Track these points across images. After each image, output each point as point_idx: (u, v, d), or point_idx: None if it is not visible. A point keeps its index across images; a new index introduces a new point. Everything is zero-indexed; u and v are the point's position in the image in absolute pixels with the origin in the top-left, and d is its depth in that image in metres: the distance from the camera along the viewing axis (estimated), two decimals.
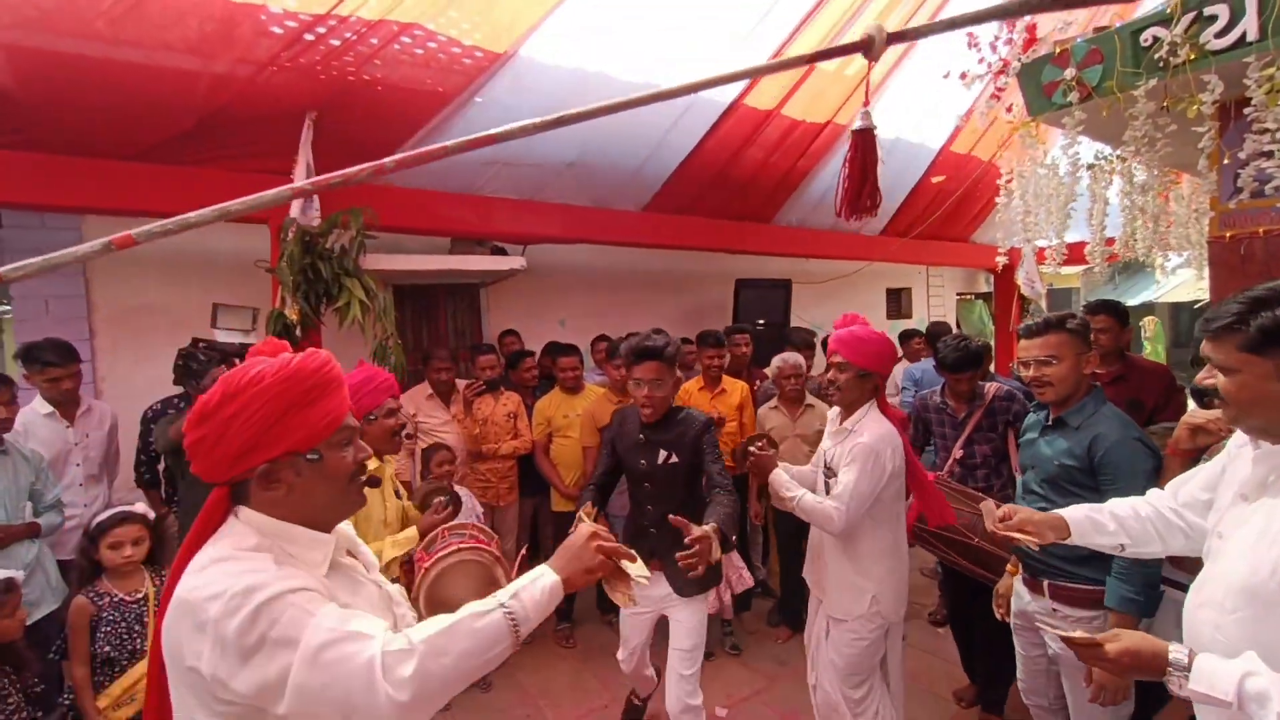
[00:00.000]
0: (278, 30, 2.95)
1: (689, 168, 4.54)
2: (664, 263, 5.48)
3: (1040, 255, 4.15)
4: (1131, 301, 10.98)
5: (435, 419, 3.37)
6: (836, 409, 2.32)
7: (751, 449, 2.34)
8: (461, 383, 3.61)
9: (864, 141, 1.11)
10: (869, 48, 0.98)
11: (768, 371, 3.71)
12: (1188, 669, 1.00)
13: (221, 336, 3.00)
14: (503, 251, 4.38)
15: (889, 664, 2.35)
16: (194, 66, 2.83)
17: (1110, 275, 10.68)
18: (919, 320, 7.78)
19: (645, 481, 2.29)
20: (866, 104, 1.12)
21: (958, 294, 8.59)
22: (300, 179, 3.20)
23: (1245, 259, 2.45)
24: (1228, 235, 2.47)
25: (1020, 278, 5.67)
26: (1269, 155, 2.09)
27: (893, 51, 4.52)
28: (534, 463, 3.59)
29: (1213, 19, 2.16)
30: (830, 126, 4.83)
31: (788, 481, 2.23)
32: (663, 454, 2.23)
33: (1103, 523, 1.44)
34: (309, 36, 3.02)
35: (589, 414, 3.48)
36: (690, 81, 1.17)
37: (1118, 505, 1.48)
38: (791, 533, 3.49)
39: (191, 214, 1.33)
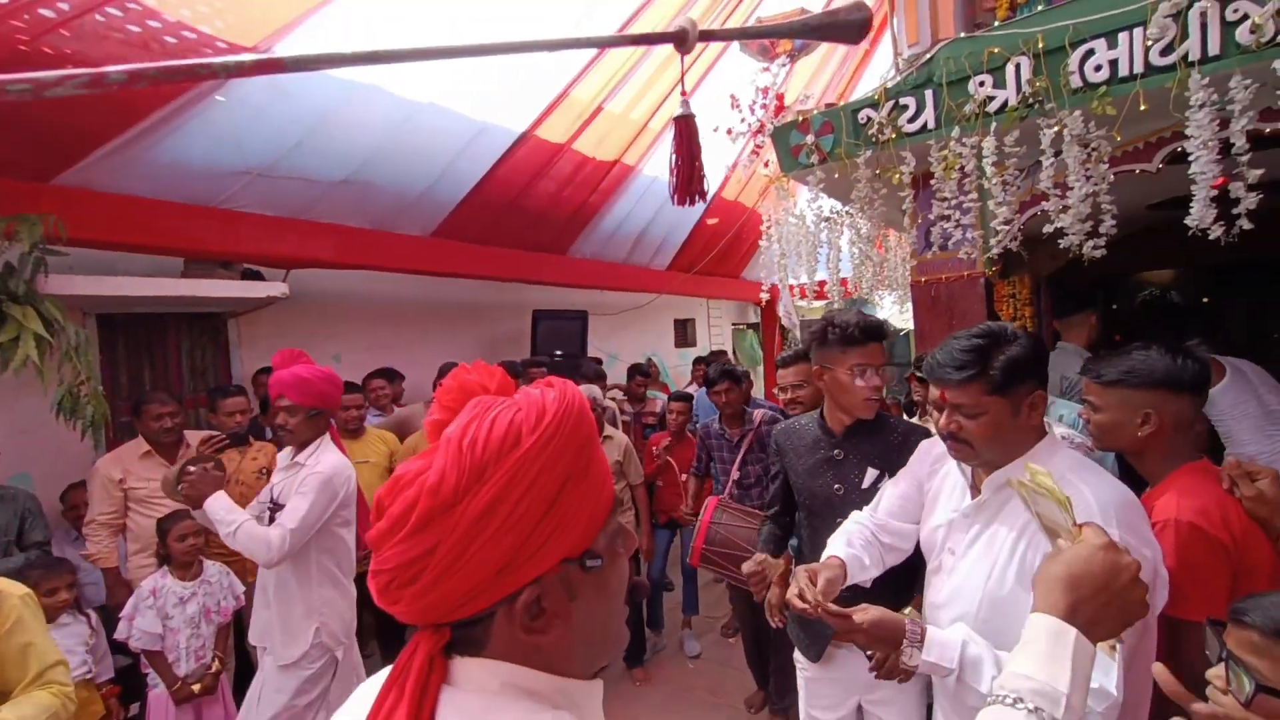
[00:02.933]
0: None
1: (480, 195, 4.39)
2: (457, 292, 5.20)
3: (803, 291, 4.80)
4: None
5: (154, 483, 2.67)
6: (288, 449, 2.24)
7: None
8: (195, 435, 2.94)
9: (686, 128, 1.12)
10: (682, 40, 1.02)
11: None
12: (921, 640, 1.10)
13: None
14: (258, 276, 3.74)
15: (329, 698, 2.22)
16: None
17: (848, 306, 12.99)
18: (703, 347, 8.49)
19: (838, 515, 1.65)
20: (684, 95, 1.15)
21: (733, 324, 9.58)
22: None
23: (935, 299, 3.08)
24: (923, 280, 3.08)
25: (780, 310, 6.54)
26: (947, 218, 2.66)
27: (670, 105, 4.93)
28: None
29: (905, 107, 2.70)
30: (619, 165, 5.07)
31: (227, 505, 2.04)
32: (871, 473, 1.66)
33: (861, 558, 1.44)
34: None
35: (409, 450, 3.09)
36: (522, 41, 1.07)
37: (853, 538, 1.47)
38: None
39: None
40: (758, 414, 3.31)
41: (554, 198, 4.88)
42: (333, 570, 2.19)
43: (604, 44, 1.14)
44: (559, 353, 5.21)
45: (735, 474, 3.21)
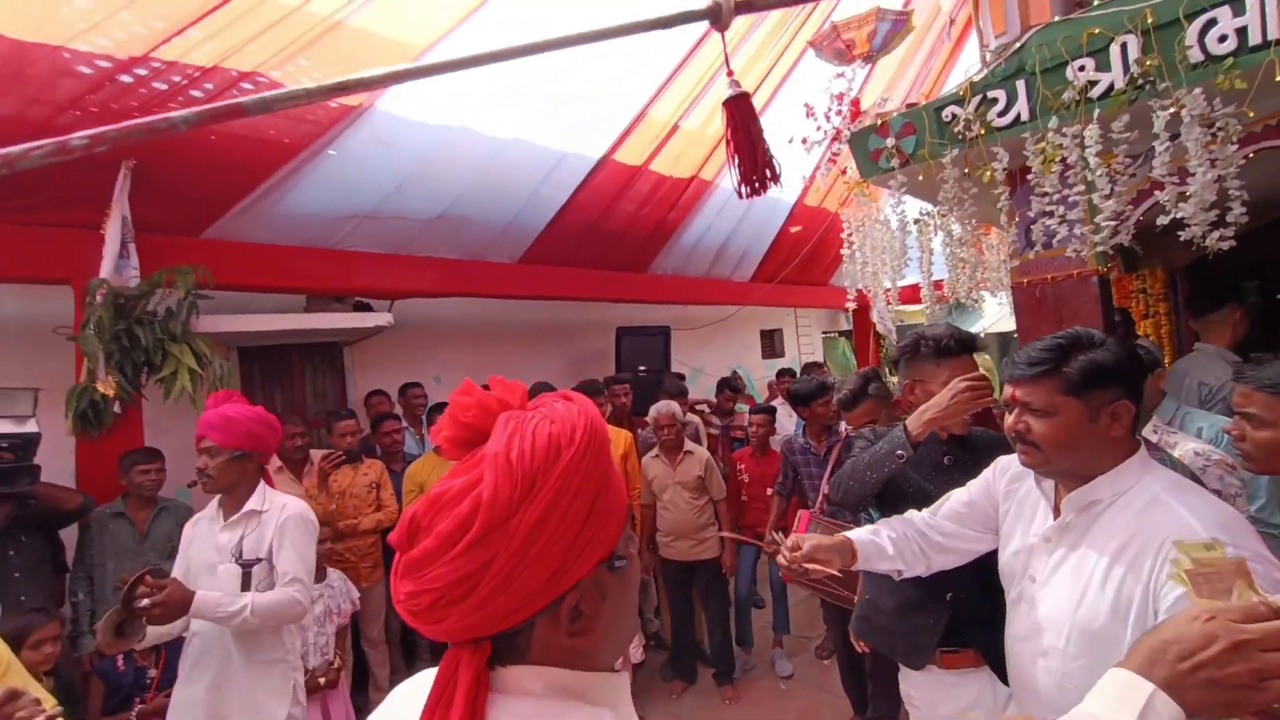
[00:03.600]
0: (84, 70, 2.63)
1: (562, 220, 4.58)
2: (544, 314, 5.43)
3: (887, 297, 4.60)
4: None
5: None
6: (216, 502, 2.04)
7: None
8: (318, 453, 3.27)
9: (739, 108, 1.03)
10: (716, 16, 0.98)
11: (648, 419, 3.73)
12: None
13: None
14: (367, 307, 4.11)
15: None
16: None
17: (948, 311, 12.22)
18: (791, 359, 8.28)
19: None
20: (730, 75, 1.07)
21: (823, 333, 9.28)
22: (114, 232, 2.83)
23: (1040, 301, 2.84)
24: (1025, 281, 2.86)
25: (874, 316, 6.27)
26: (1049, 214, 2.47)
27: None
28: None
29: (995, 101, 2.54)
30: (695, 181, 5.10)
31: (215, 598, 1.74)
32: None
33: (883, 546, 1.42)
34: (125, 78, 2.72)
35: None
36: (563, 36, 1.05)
37: (890, 527, 1.46)
38: (678, 585, 3.46)
39: None
40: (844, 426, 3.20)
41: (633, 217, 4.99)
42: None
43: (624, 32, 1.03)
44: (643, 368, 5.29)
45: (825, 488, 3.11)
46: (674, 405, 3.51)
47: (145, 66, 2.71)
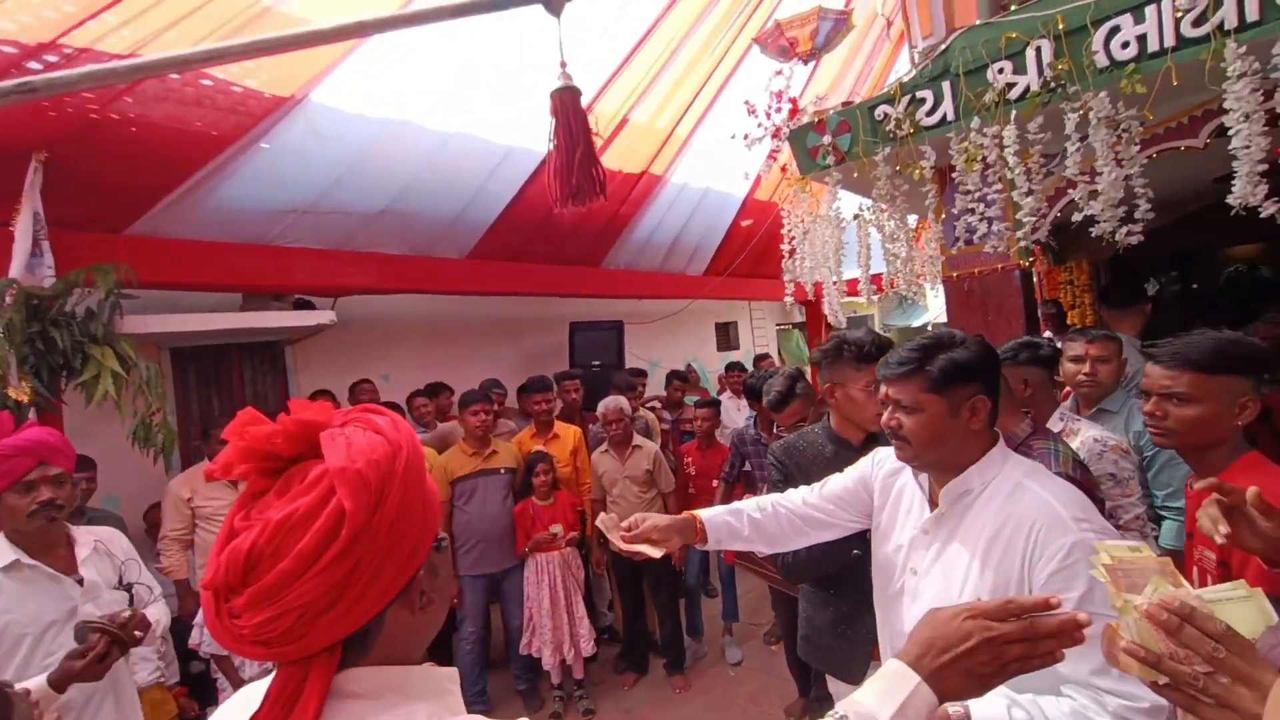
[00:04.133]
0: None
1: (511, 215, 4.53)
2: (495, 309, 5.38)
3: (836, 289, 4.72)
4: (915, 323, 12.93)
5: (217, 501, 2.89)
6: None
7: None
8: None
9: (563, 101, 0.99)
10: (549, 2, 0.99)
11: (597, 414, 3.75)
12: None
13: None
14: (309, 305, 4.00)
15: None
16: None
17: (898, 302, 12.59)
18: (746, 351, 8.41)
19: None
20: (563, 65, 1.06)
21: (777, 325, 9.45)
22: (25, 229, 2.68)
23: (969, 295, 2.97)
24: (955, 275, 2.98)
25: (825, 309, 6.41)
26: (971, 211, 2.58)
27: (695, 110, 4.95)
28: None
29: (923, 101, 2.64)
30: (646, 176, 5.12)
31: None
32: None
33: (737, 528, 1.44)
34: (34, 65, 2.57)
35: (441, 467, 3.25)
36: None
37: (758, 506, 1.49)
38: (628, 578, 3.50)
39: None
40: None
41: (584, 212, 4.96)
42: None
43: (461, 13, 1.01)
44: (596, 363, 5.30)
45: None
46: (622, 400, 3.53)
47: (55, 53, 2.57)
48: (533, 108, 4.04)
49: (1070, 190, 2.42)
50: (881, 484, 1.39)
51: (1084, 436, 1.88)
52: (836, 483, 1.48)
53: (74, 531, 1.74)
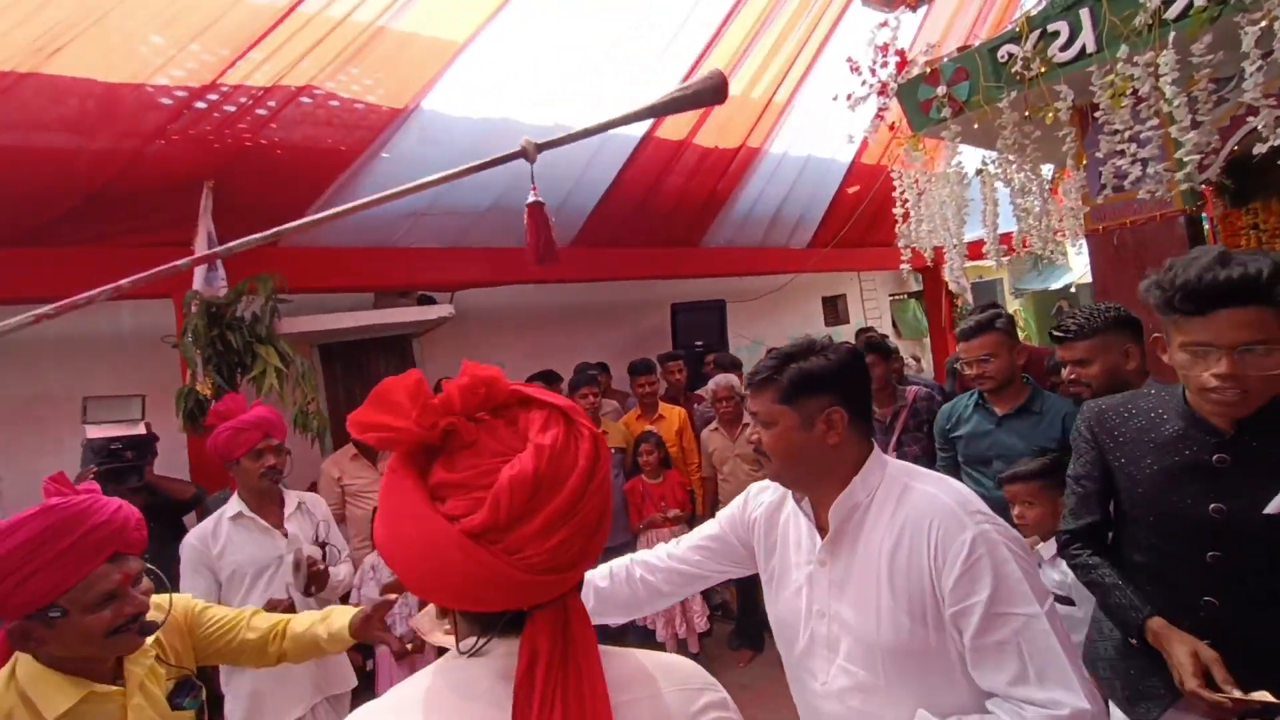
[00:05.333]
0: (166, 101, 2.88)
1: (611, 200, 4.60)
2: (598, 295, 5.51)
3: (940, 254, 4.38)
4: (1054, 286, 11.60)
5: (361, 480, 3.25)
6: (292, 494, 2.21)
7: None
8: None
9: (535, 212, 1.36)
10: (526, 154, 1.25)
11: (703, 394, 3.75)
12: None
13: (95, 433, 2.64)
14: (430, 300, 4.33)
15: None
16: (71, 145, 2.73)
17: (1033, 264, 11.34)
18: (856, 323, 8.01)
19: (1214, 548, 1.16)
20: (534, 189, 1.33)
21: (890, 295, 8.90)
22: (201, 248, 3.11)
23: (1119, 248, 2.63)
24: (1100, 228, 2.65)
25: (946, 274, 5.94)
26: (1121, 154, 2.26)
27: (793, 76, 4.73)
28: None
29: (1056, 35, 2.35)
30: (744, 149, 4.98)
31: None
32: None
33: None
34: (200, 105, 2.96)
35: None
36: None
37: (608, 571, 1.29)
38: None
39: (48, 307, 1.30)
40: (910, 390, 3.09)
41: (681, 191, 4.95)
42: None
43: (455, 176, 1.37)
44: (699, 343, 5.29)
45: (891, 455, 3.03)
46: (733, 378, 3.51)
47: (216, 92, 2.94)
48: (625, 92, 4.08)
49: (1250, 118, 2.06)
50: (765, 523, 1.20)
51: None
52: (702, 531, 1.30)
53: (285, 493, 2.14)
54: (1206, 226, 3.41)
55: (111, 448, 2.57)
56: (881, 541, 1.02)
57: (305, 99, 3.18)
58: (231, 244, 1.35)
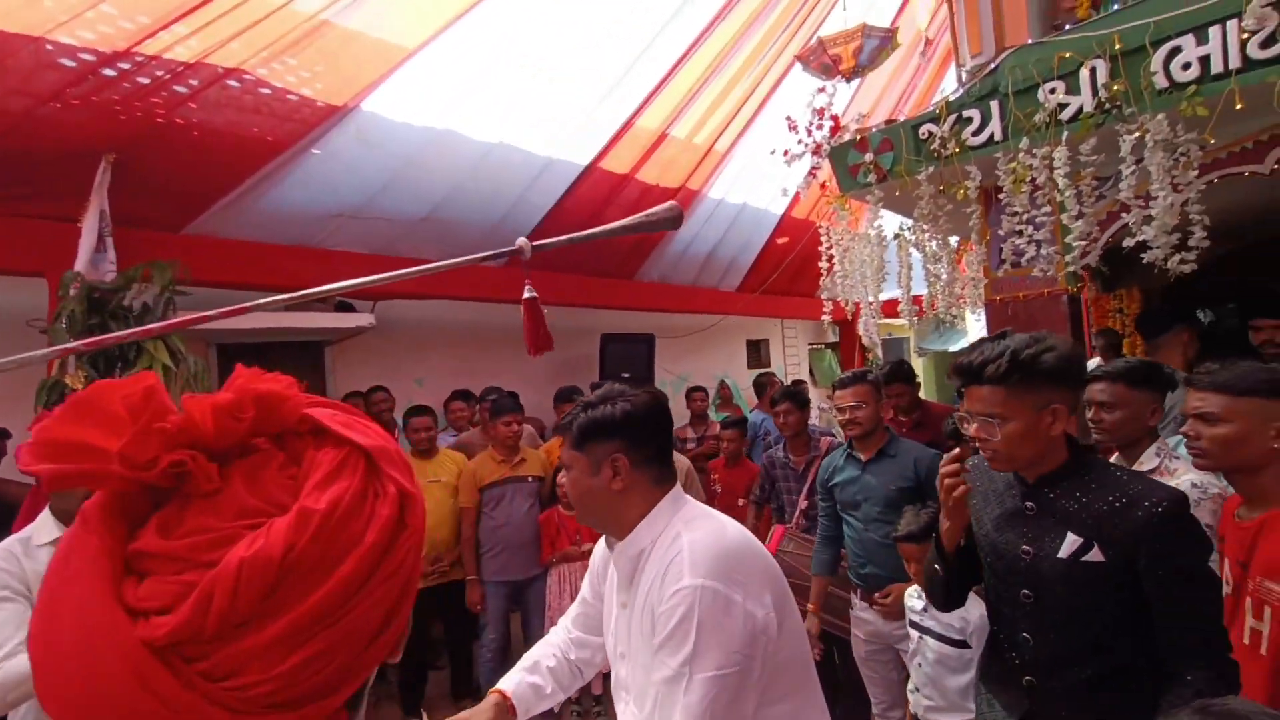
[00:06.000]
0: (68, 63, 2.62)
1: (550, 226, 4.59)
2: None
3: (871, 310, 4.66)
4: (952, 348, 12.60)
5: None
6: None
7: None
8: None
9: (531, 307, 1.39)
10: (522, 253, 1.28)
11: None
12: None
13: None
14: (349, 308, 4.11)
15: None
16: None
17: (935, 326, 12.30)
18: (777, 369, 8.32)
19: (1025, 586, 1.25)
20: (528, 285, 1.37)
21: (810, 344, 9.34)
22: (91, 225, 2.82)
23: (1012, 318, 2.89)
24: (998, 299, 2.91)
25: (860, 329, 6.31)
26: (1019, 234, 2.51)
27: (735, 126, 4.96)
28: None
29: (970, 120, 2.60)
30: (684, 190, 5.14)
31: None
32: (1072, 540, 1.19)
33: (541, 686, 1.29)
34: (108, 72, 2.72)
35: (470, 473, 3.27)
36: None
37: (547, 652, 1.34)
38: None
39: None
40: (824, 441, 3.21)
41: None
42: None
43: (447, 267, 1.38)
44: (626, 375, 5.30)
45: (803, 504, 3.10)
46: None
47: (128, 60, 2.71)
48: (576, 121, 4.13)
49: (1123, 214, 2.35)
50: (600, 570, 1.24)
51: (1180, 480, 1.63)
52: (576, 603, 1.35)
53: None
54: (1083, 307, 3.81)
55: None
56: (649, 586, 1.04)
57: (233, 82, 2.99)
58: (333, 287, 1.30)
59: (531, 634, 3.30)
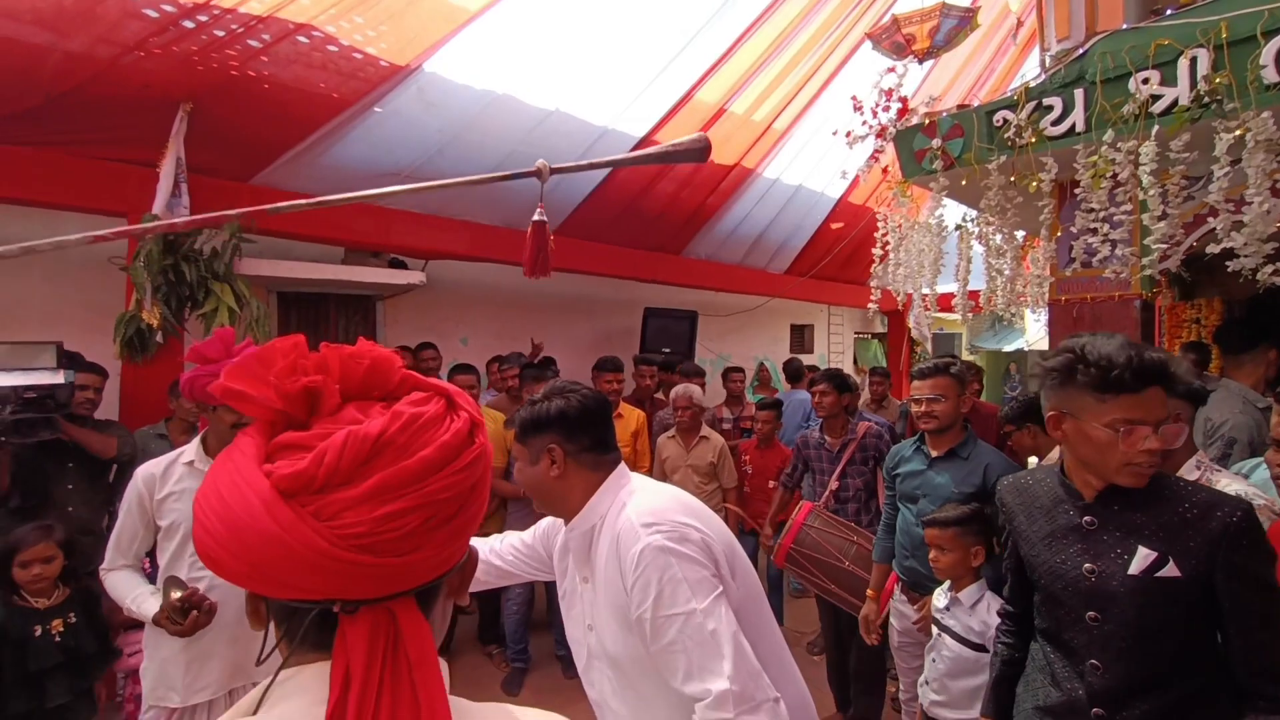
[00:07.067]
0: (151, 13, 2.73)
1: (601, 196, 4.58)
2: (574, 287, 5.46)
3: (925, 302, 4.51)
4: (1006, 348, 12.10)
5: None
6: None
7: None
8: None
9: (538, 229, 1.44)
10: (540, 174, 1.34)
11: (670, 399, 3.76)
12: None
13: (4, 380, 2.30)
14: (402, 265, 4.21)
15: None
16: (43, 40, 2.55)
17: (990, 324, 11.80)
18: (820, 356, 8.18)
19: (1091, 608, 1.16)
20: (541, 207, 1.41)
21: (856, 333, 9.12)
22: (169, 171, 2.95)
23: (1077, 321, 2.75)
24: (1063, 299, 2.77)
25: (910, 321, 6.13)
26: (1094, 231, 2.37)
27: (796, 104, 4.81)
28: None
29: (1050, 109, 2.45)
30: (738, 169, 5.03)
31: None
32: (1145, 555, 1.12)
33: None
34: (188, 24, 2.81)
35: (501, 435, 3.36)
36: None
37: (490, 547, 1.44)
38: None
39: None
40: (862, 426, 3.16)
41: (672, 199, 4.96)
42: None
43: (465, 184, 1.54)
44: (666, 350, 5.30)
45: (834, 484, 3.08)
46: (694, 388, 3.52)
47: (206, 13, 2.80)
48: (632, 90, 4.07)
49: (1210, 219, 2.18)
50: (560, 550, 1.30)
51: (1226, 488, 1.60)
52: (518, 535, 1.42)
53: None
54: (1156, 315, 3.59)
55: (25, 396, 2.30)
56: (601, 565, 1.13)
57: (302, 38, 3.05)
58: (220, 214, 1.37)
59: (553, 591, 3.41)
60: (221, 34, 2.86)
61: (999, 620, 1.45)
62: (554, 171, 1.35)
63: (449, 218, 4.21)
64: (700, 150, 1.46)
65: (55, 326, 3.06)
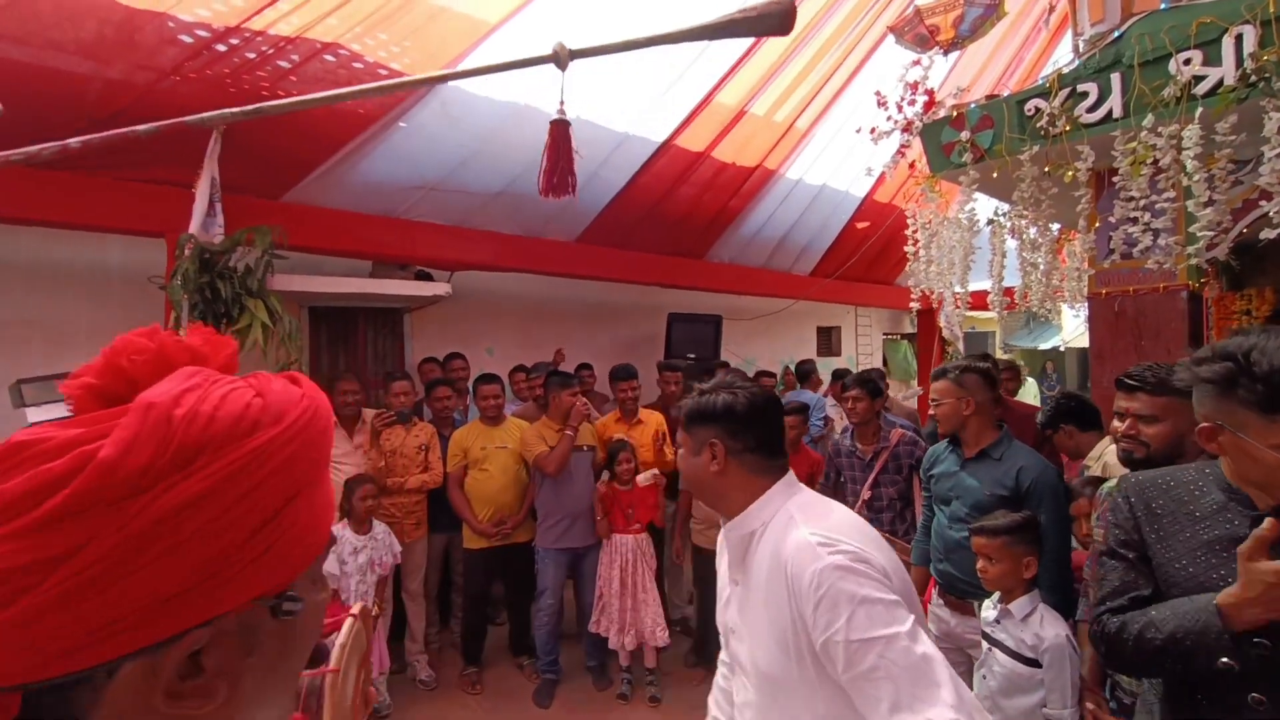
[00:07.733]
0: (186, 39, 2.82)
1: (622, 202, 4.58)
2: (597, 294, 5.48)
3: (956, 300, 4.40)
4: (1042, 346, 11.77)
5: (336, 450, 3.18)
6: None
7: None
8: (370, 412, 3.44)
9: (559, 130, 1.20)
10: (558, 60, 1.21)
11: None
12: None
13: (36, 416, 2.27)
14: (428, 276, 4.27)
15: None
16: (85, 69, 2.66)
17: (1025, 321, 11.47)
18: (848, 358, 8.04)
19: (1259, 633, 1.00)
20: (562, 105, 1.27)
21: (884, 334, 8.96)
22: (204, 192, 3.04)
23: (1119, 315, 2.64)
24: (1104, 292, 2.67)
25: (941, 321, 5.99)
26: (1134, 221, 2.28)
27: (818, 103, 4.76)
28: (445, 497, 3.45)
29: (1085, 95, 2.37)
30: (760, 170, 4.99)
31: None
32: None
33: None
34: (220, 47, 2.90)
35: (524, 442, 3.39)
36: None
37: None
38: (709, 572, 3.46)
39: None
40: (895, 433, 3.08)
41: (694, 202, 4.95)
42: None
43: (482, 72, 1.32)
44: (691, 355, 5.27)
45: (866, 494, 3.02)
46: None
47: (238, 36, 2.88)
48: (651, 95, 4.07)
49: (1262, 203, 2.08)
50: (719, 545, 1.27)
51: None
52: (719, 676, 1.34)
53: None
54: (1204, 307, 3.44)
55: None
56: (760, 573, 1.08)
57: (329, 56, 3.13)
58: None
59: (583, 602, 3.39)
60: (253, 56, 2.94)
61: (1099, 619, 1.19)
62: (574, 56, 1.25)
63: (473, 228, 4.25)
64: (780, 14, 1.20)
65: (99, 346, 3.16)
